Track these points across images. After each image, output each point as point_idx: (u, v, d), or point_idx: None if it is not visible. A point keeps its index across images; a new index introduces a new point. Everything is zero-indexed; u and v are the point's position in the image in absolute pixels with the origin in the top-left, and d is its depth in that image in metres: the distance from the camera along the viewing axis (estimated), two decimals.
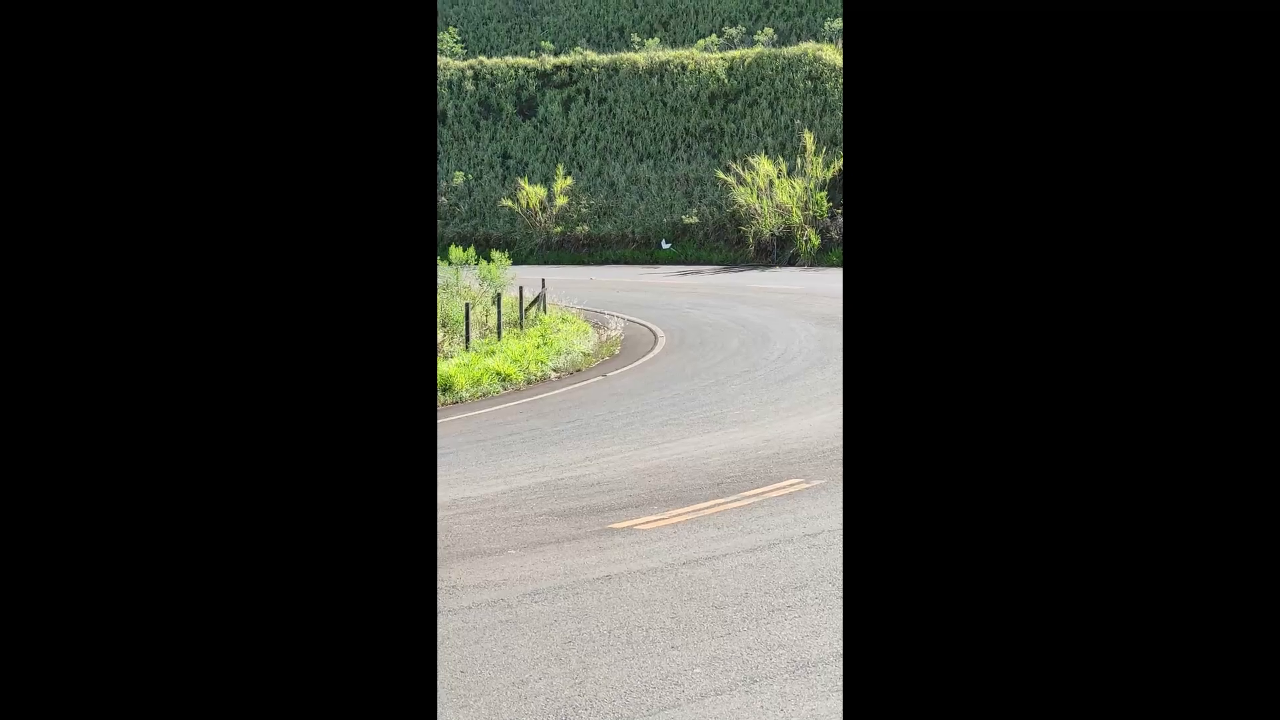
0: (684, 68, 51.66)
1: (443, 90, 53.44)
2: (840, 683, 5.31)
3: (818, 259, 41.30)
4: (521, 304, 23.13)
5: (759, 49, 52.19)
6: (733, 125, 49.63)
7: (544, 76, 53.21)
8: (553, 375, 18.27)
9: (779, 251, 42.65)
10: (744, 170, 44.02)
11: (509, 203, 47.20)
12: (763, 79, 50.53)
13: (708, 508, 9.19)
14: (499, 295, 22.20)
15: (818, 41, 51.95)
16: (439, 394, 16.00)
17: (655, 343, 21.69)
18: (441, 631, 6.36)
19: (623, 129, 50.84)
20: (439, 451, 12.46)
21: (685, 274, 39.15)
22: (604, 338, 22.13)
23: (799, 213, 42.34)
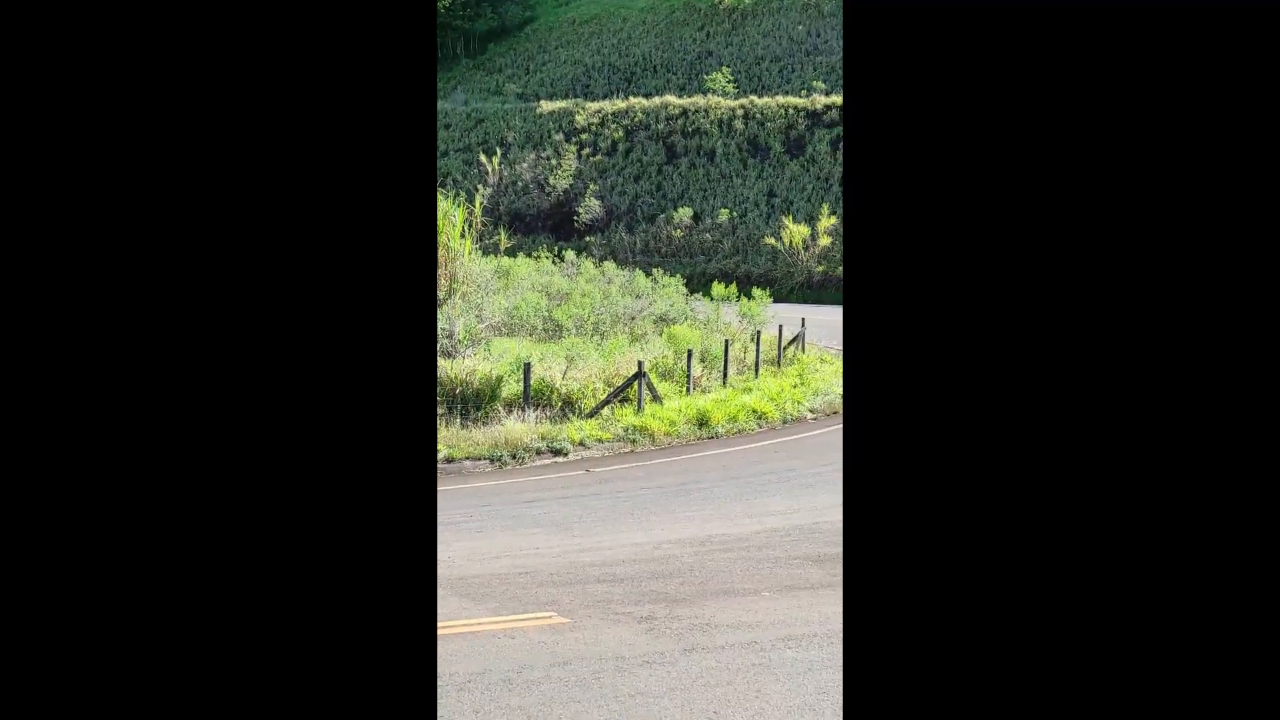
0: None
1: (712, 129, 54.07)
2: None
3: None
4: (780, 342, 23.01)
5: None
6: None
7: (814, 116, 53.14)
8: (809, 416, 18.06)
9: None
10: None
11: (772, 240, 47.25)
12: None
13: None
14: (758, 333, 22.14)
15: None
16: (698, 428, 16.05)
17: None
18: (694, 670, 6.29)
19: None
20: (695, 486, 12.53)
21: None
22: None
23: None
